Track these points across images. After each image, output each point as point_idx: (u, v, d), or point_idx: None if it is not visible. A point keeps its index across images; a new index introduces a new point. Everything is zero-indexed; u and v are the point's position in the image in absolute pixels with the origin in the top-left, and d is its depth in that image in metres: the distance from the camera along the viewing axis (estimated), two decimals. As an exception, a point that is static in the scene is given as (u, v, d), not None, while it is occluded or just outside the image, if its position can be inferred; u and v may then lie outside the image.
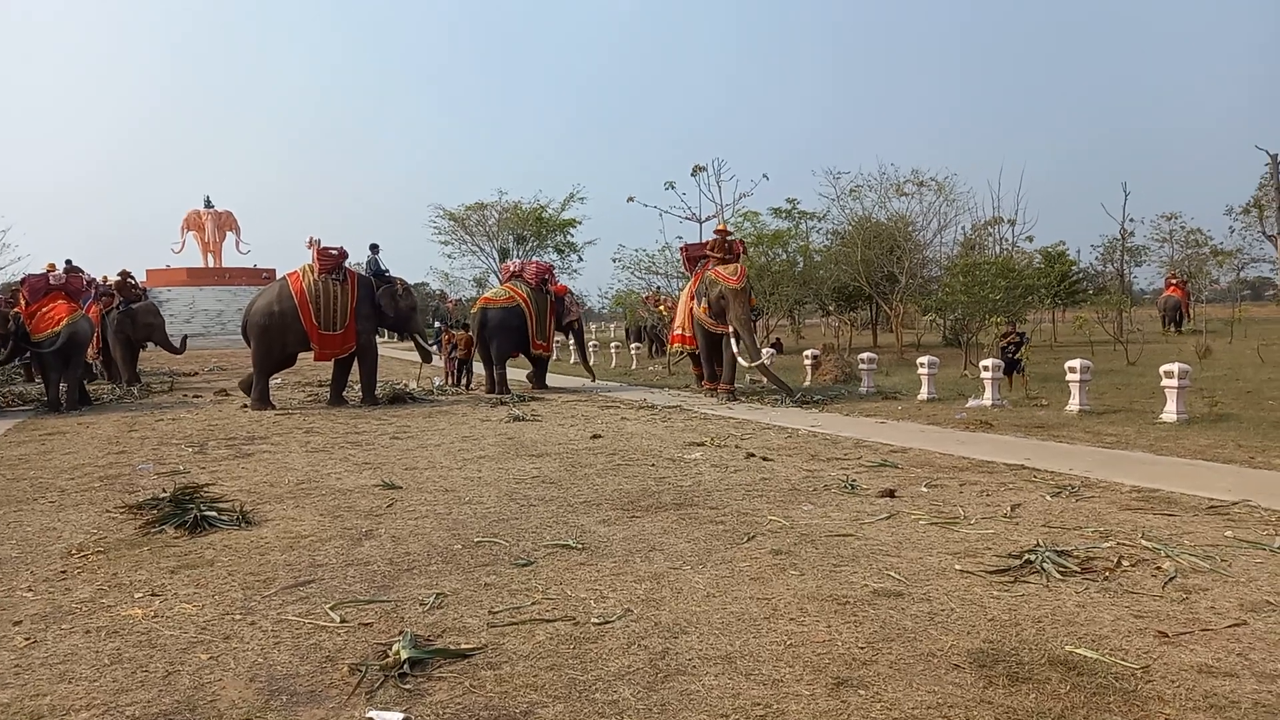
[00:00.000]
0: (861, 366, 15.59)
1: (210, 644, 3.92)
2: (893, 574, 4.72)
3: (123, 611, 4.37)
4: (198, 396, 16.71)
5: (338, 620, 4.18)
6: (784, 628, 3.98)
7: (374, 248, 15.64)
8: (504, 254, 41.21)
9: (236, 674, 3.59)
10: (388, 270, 15.57)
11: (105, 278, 20.65)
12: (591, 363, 19.21)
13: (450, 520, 6.18)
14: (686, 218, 22.84)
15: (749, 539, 5.49)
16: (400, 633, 3.90)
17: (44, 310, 14.69)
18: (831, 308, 32.34)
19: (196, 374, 23.36)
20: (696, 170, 32.61)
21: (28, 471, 8.50)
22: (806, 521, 5.93)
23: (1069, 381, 11.80)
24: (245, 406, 14.23)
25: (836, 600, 4.32)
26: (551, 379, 17.87)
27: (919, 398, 13.57)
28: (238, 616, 4.27)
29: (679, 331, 16.54)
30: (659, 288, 26.73)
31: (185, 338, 21.94)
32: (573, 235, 41.98)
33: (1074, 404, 11.54)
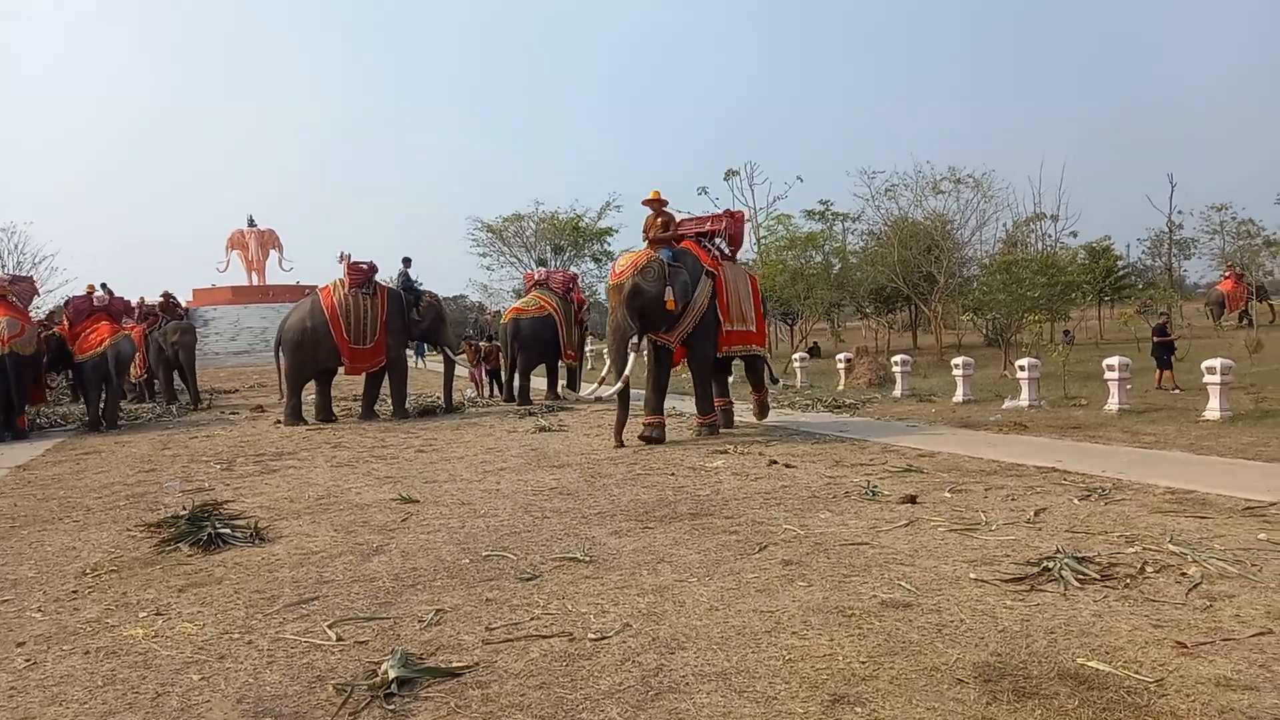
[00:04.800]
0: (895, 369, 15.34)
1: (204, 664, 3.90)
2: (904, 584, 4.56)
3: (125, 631, 4.37)
4: (234, 413, 16.95)
5: (334, 639, 4.14)
6: (785, 641, 3.85)
7: (406, 261, 15.82)
8: (541, 264, 41.43)
9: (225, 695, 3.56)
10: (419, 282, 15.73)
11: (142, 299, 21.10)
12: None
13: (462, 534, 6.13)
14: (719, 223, 22.90)
15: (760, 549, 5.36)
16: (391, 651, 3.85)
17: (88, 331, 15.05)
18: (869, 310, 31.95)
19: (236, 391, 23.75)
20: (729, 175, 32.54)
21: (58, 491, 8.64)
22: (822, 530, 5.79)
23: (1107, 380, 11.47)
24: (278, 422, 14.40)
25: (842, 612, 4.18)
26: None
27: (954, 400, 13.31)
28: (236, 636, 4.25)
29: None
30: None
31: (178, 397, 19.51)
32: (609, 244, 42.15)
33: (1113, 403, 11.22)
